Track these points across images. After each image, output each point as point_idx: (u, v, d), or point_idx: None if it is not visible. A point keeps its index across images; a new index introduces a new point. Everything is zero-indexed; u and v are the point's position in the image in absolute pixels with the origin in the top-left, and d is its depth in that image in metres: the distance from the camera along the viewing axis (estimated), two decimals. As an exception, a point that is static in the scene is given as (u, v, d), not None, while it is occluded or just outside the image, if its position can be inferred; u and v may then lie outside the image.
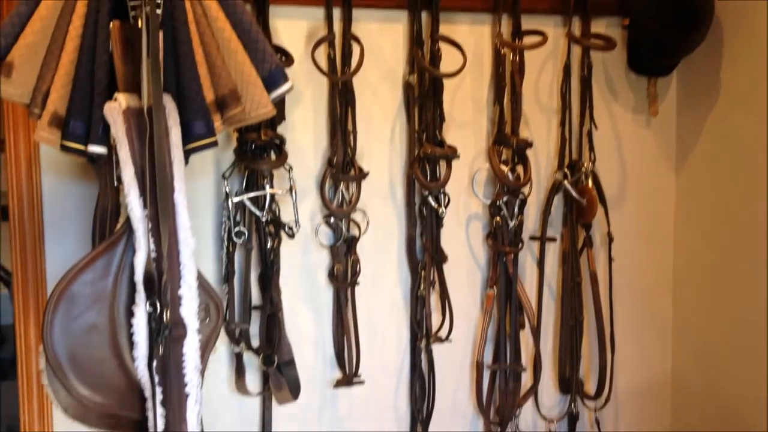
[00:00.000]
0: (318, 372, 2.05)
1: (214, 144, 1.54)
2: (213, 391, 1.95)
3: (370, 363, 2.09)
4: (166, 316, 1.45)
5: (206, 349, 1.60)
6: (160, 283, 1.44)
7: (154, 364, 1.47)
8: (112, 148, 1.48)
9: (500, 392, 2.18)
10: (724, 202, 2.22)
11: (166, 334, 1.45)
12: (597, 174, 2.21)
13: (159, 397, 1.48)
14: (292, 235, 1.89)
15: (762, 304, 2.07)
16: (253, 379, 1.97)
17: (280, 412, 2.01)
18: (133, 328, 1.46)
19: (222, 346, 1.94)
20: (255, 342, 1.94)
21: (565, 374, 2.27)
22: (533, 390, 2.21)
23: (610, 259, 2.27)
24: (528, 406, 2.26)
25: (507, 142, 2.09)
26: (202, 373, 1.58)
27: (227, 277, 1.88)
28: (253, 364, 1.97)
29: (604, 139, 2.28)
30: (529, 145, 2.10)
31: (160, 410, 1.48)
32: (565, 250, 2.23)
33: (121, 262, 1.48)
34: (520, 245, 2.14)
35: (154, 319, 1.45)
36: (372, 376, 2.10)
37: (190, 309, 1.50)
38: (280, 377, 1.90)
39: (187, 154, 1.52)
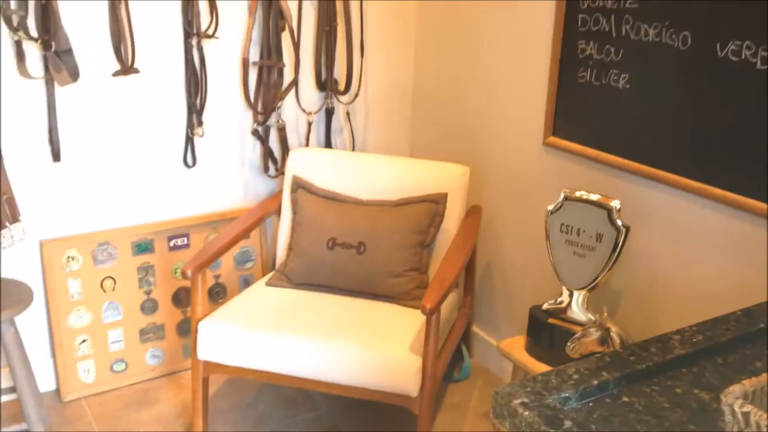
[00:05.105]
0: (98, 62, 2.30)
1: None
2: (-2, 78, 2.17)
3: (146, 57, 2.36)
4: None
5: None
6: None
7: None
8: None
9: (264, 87, 2.54)
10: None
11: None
12: None
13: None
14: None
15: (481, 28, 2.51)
16: (36, 67, 2.19)
17: (64, 97, 2.27)
18: None
19: (3, 35, 2.12)
20: (35, 34, 2.14)
21: (321, 75, 2.67)
22: (293, 82, 2.60)
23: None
24: (291, 102, 2.66)
25: None
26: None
27: (-1, -34, 2.02)
28: (35, 54, 2.18)
29: None
30: None
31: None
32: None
33: None
34: (280, -46, 2.41)
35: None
36: (149, 69, 2.38)
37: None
38: (58, 61, 2.14)
39: None
